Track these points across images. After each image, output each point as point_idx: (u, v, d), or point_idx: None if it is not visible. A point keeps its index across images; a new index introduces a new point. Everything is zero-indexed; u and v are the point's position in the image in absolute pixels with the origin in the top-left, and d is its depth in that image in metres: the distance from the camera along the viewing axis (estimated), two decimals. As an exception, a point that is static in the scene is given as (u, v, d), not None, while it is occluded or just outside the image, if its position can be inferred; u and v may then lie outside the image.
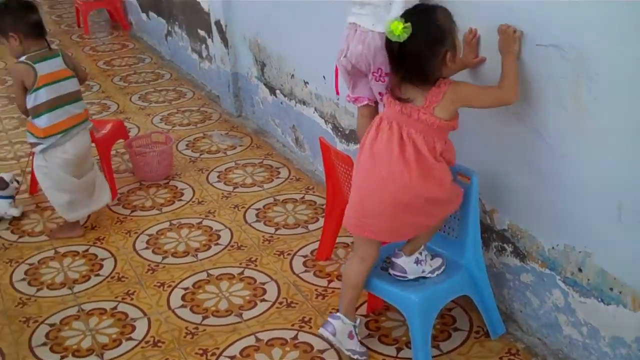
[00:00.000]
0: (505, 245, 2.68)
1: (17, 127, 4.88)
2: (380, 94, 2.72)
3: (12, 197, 3.71)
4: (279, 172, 4.07)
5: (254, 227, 3.54)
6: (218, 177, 4.06)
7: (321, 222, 3.48)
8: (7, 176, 3.71)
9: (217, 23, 4.71)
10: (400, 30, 2.24)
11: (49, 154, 3.36)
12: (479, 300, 2.64)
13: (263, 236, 3.46)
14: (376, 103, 2.85)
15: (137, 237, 3.51)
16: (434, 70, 2.31)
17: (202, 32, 5.23)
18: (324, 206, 3.58)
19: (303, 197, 3.79)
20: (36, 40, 3.30)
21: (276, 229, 3.51)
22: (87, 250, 3.43)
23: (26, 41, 3.27)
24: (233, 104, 4.84)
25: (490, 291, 2.64)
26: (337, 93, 3.08)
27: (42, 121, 3.31)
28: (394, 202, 2.37)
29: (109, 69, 6.01)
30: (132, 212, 3.74)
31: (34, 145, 3.39)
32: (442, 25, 2.30)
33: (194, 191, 3.92)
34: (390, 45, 2.32)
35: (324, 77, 3.69)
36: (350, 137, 3.60)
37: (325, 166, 3.02)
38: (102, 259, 3.35)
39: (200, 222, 3.61)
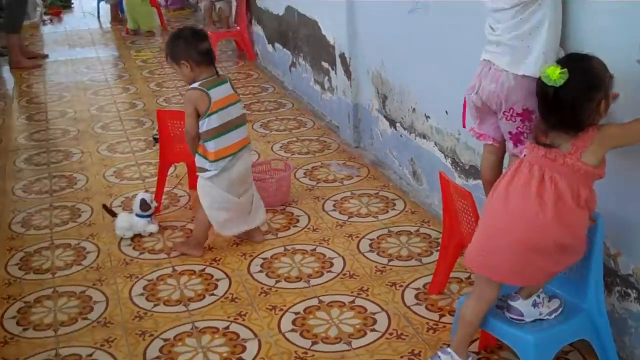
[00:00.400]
0: (629, 290, 2.57)
1: (143, 150, 5.08)
2: (510, 133, 2.70)
3: (150, 215, 3.86)
4: (394, 204, 4.06)
5: (367, 257, 3.53)
6: (334, 205, 4.08)
7: (435, 255, 3.44)
8: (148, 197, 3.86)
9: (342, 56, 4.78)
10: (557, 76, 2.22)
11: (217, 176, 3.49)
12: (599, 345, 2.54)
13: (376, 266, 3.45)
14: (500, 143, 2.83)
15: (252, 260, 3.57)
16: (587, 117, 2.27)
17: (325, 64, 5.32)
18: (439, 240, 3.55)
19: (418, 230, 3.76)
20: (206, 67, 3.45)
21: (389, 260, 3.49)
22: (203, 269, 3.52)
23: (197, 68, 3.42)
24: (352, 135, 4.87)
25: (610, 337, 2.53)
26: (464, 126, 3.06)
27: (213, 145, 3.44)
28: (523, 242, 2.32)
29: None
30: (248, 235, 3.81)
31: (202, 170, 3.51)
32: (599, 73, 2.27)
33: (309, 218, 3.95)
34: (544, 91, 2.29)
35: (446, 111, 3.68)
36: (470, 172, 3.55)
37: (443, 200, 3.00)
38: (218, 279, 3.42)
39: (314, 249, 3.63)
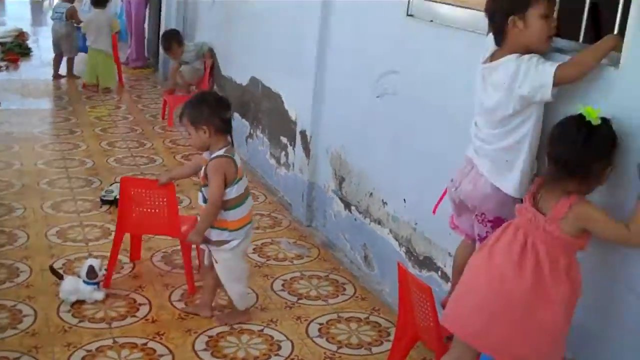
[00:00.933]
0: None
1: (89, 210, 4.94)
2: (479, 235, 2.70)
3: (98, 283, 3.73)
4: (344, 288, 4.00)
5: (316, 342, 3.44)
6: (283, 285, 4.00)
7: (386, 346, 3.39)
8: (96, 264, 3.72)
9: (303, 132, 4.77)
10: (595, 115, 2.22)
11: (237, 246, 3.43)
12: None
13: (325, 353, 3.36)
14: (473, 240, 2.82)
15: (197, 336, 3.44)
16: (592, 170, 2.25)
17: (284, 139, 5.29)
18: (390, 329, 3.51)
19: (368, 318, 3.69)
20: (223, 136, 3.39)
21: (338, 347, 3.41)
22: (145, 343, 3.38)
23: (215, 135, 3.35)
24: (304, 214, 4.83)
25: None
26: (434, 212, 3.04)
27: (236, 214, 3.39)
28: (492, 302, 2.33)
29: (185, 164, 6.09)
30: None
31: (221, 242, 3.41)
32: (615, 142, 2.27)
33: (257, 296, 3.86)
34: (572, 124, 2.27)
35: (404, 200, 3.67)
36: (424, 263, 3.52)
37: (400, 292, 2.95)
38: (160, 355, 3.28)
39: (262, 330, 3.53)
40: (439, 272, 3.40)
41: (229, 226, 3.39)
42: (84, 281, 3.69)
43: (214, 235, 3.42)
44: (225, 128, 3.39)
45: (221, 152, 3.35)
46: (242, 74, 6.39)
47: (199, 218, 3.56)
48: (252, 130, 6.07)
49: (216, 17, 7.30)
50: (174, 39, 7.50)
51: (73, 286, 3.69)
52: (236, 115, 6.47)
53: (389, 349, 3.37)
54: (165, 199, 3.79)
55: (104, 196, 5.10)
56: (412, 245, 3.63)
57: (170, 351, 3.32)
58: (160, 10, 9.89)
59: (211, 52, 7.36)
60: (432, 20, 3.48)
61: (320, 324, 3.61)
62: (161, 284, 3.95)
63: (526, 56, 2.46)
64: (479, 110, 2.66)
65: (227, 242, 3.42)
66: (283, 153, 5.33)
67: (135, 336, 3.44)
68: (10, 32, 11.48)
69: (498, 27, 2.56)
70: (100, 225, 4.69)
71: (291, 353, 3.35)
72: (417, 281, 2.79)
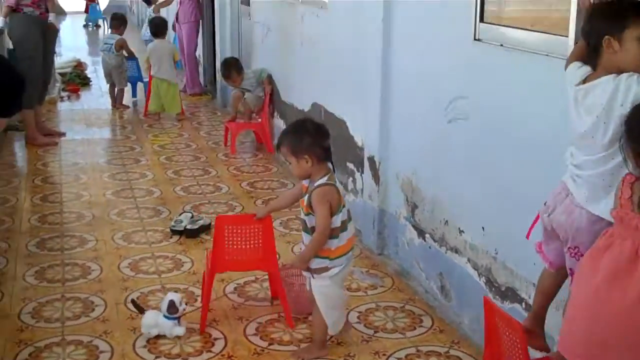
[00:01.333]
0: None
1: (159, 241, 4.95)
2: (570, 269, 2.58)
3: (178, 318, 3.68)
4: (421, 320, 3.90)
5: (396, 378, 3.36)
6: (358, 317, 3.92)
7: (468, 382, 3.29)
8: (177, 299, 3.67)
9: (371, 159, 4.70)
10: None
11: (337, 274, 3.41)
12: None
13: (406, 389, 3.27)
14: (557, 270, 2.70)
15: (274, 372, 3.39)
16: None
17: (350, 166, 5.24)
18: (472, 366, 3.40)
19: (448, 352, 3.59)
20: (325, 163, 3.38)
21: (420, 384, 3.32)
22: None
23: (317, 164, 3.33)
24: (375, 241, 4.75)
25: None
26: (527, 237, 2.91)
27: (338, 242, 3.35)
28: (608, 326, 2.19)
29: (252, 191, 6.08)
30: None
31: (321, 270, 3.38)
32: None
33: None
34: None
35: (482, 228, 3.57)
36: (506, 295, 3.41)
37: (486, 328, 2.84)
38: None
39: (340, 367, 3.46)
40: (523, 304, 3.29)
41: (330, 254, 3.35)
42: (165, 316, 3.66)
43: (315, 263, 3.39)
44: (326, 156, 3.37)
45: (324, 179, 3.32)
46: (303, 100, 6.37)
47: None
48: (316, 156, 6.02)
49: (272, 44, 7.30)
50: (233, 66, 7.52)
51: (154, 320, 3.67)
52: (300, 141, 6.44)
53: (471, 384, 3.30)
54: (260, 234, 3.78)
55: (174, 226, 5.10)
56: (492, 275, 3.52)
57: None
58: (214, 38, 9.98)
59: (270, 79, 7.36)
60: (502, 45, 3.39)
61: (399, 359, 3.52)
62: (235, 318, 3.90)
63: (624, 74, 2.35)
64: (574, 137, 2.55)
65: (327, 269, 3.38)
66: (350, 179, 5.27)
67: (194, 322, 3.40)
68: (69, 62, 11.72)
69: (593, 48, 2.46)
70: (172, 257, 4.69)
71: (371, 389, 3.27)
72: (507, 317, 2.68)
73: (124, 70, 9.48)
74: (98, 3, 21.30)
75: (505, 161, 3.37)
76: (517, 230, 3.27)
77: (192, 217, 5.20)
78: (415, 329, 3.81)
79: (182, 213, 5.32)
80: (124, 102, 9.52)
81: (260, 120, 7.44)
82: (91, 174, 6.54)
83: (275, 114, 7.21)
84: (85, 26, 20.64)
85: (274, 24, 7.17)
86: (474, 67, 3.61)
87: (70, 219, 5.40)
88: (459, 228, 3.81)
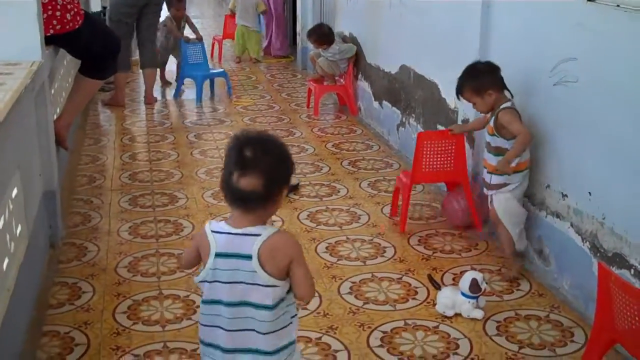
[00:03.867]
0: None
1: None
2: None
3: (477, 298, 3.48)
4: (518, 284, 3.82)
5: (495, 341, 3.28)
6: (453, 280, 3.86)
7: (570, 347, 3.23)
8: (479, 278, 3.46)
9: (465, 121, 4.59)
10: None
11: (517, 188, 3.82)
12: None
13: (506, 353, 3.20)
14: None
15: (372, 332, 3.36)
16: None
17: (442, 128, 5.13)
18: (572, 329, 3.35)
19: (548, 316, 3.50)
20: (504, 92, 3.87)
21: (520, 347, 3.24)
22: (320, 338, 3.32)
23: (498, 94, 3.83)
24: (468, 204, 4.65)
25: None
26: None
27: (517, 159, 3.76)
28: None
29: (338, 152, 6.05)
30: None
31: (499, 186, 3.83)
32: None
33: (428, 292, 3.73)
34: None
35: (589, 192, 3.44)
36: (613, 260, 3.29)
37: (599, 292, 2.74)
38: (336, 351, 3.22)
39: (437, 327, 3.40)
40: (632, 270, 3.17)
41: (508, 171, 3.77)
42: (463, 293, 3.46)
43: (495, 179, 3.83)
44: (503, 85, 3.84)
45: (508, 104, 3.78)
46: (390, 63, 6.26)
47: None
48: (404, 119, 5.94)
49: (358, 5, 7.18)
50: (326, 36, 7.25)
51: (451, 299, 3.49)
52: (386, 103, 6.36)
53: (574, 351, 3.21)
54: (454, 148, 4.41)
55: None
56: (598, 241, 3.40)
57: (345, 347, 3.25)
58: (295, 2, 9.93)
59: (356, 54, 7.17)
60: (618, 5, 3.23)
61: (498, 322, 3.45)
62: (329, 276, 3.89)
63: None
64: None
65: (506, 185, 3.80)
66: (441, 142, 5.17)
67: (309, 329, 3.39)
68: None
69: None
70: (262, 216, 4.70)
71: (470, 352, 3.21)
72: (626, 284, 2.58)
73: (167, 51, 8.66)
74: None
75: (617, 124, 3.24)
76: (627, 194, 3.17)
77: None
78: (512, 292, 3.74)
79: None
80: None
81: (343, 82, 7.36)
82: (177, 134, 6.59)
83: (360, 76, 7.12)
84: None
85: (360, -15, 7.06)
86: (586, 29, 3.45)
87: (159, 177, 5.46)
88: (562, 192, 3.69)
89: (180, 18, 8.41)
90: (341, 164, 5.74)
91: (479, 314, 3.47)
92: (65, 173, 4.92)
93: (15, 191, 3.15)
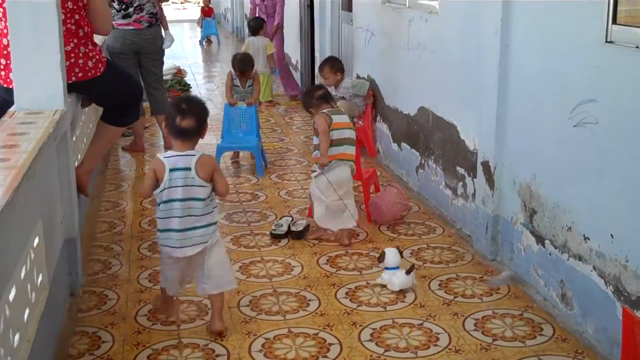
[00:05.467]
0: None
1: (268, 245, 4.95)
2: None
3: (396, 268, 4.25)
4: (542, 328, 3.77)
5: (519, 389, 3.24)
6: (475, 325, 3.81)
7: (596, 394, 3.15)
8: (392, 251, 4.30)
9: (485, 163, 4.58)
10: None
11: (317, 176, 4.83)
12: None
13: (531, 401, 3.15)
14: None
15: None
16: None
17: (461, 170, 5.13)
18: (600, 377, 3.26)
19: (573, 362, 3.46)
20: (326, 104, 5.08)
21: (545, 395, 3.20)
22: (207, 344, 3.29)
23: (321, 105, 5.07)
24: (488, 247, 4.62)
25: None
26: None
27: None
28: None
29: (357, 194, 5.98)
30: None
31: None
32: None
33: (449, 338, 3.69)
34: None
35: (611, 235, 3.41)
36: (638, 304, 3.24)
37: (624, 338, 2.70)
38: None
39: (458, 372, 3.37)
40: (657, 315, 3.12)
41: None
42: (387, 268, 4.27)
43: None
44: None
45: (325, 111, 4.92)
46: (408, 104, 6.27)
47: None
48: (422, 161, 5.93)
49: (376, 49, 7.22)
50: (328, 62, 7.26)
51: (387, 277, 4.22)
52: (404, 145, 6.37)
53: (600, 397, 3.15)
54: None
55: (274, 230, 5.13)
56: (621, 284, 3.36)
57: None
58: (313, 44, 10.02)
59: (372, 90, 7.22)
60: (637, 47, 3.23)
61: (522, 368, 3.41)
62: (349, 323, 3.85)
63: None
64: None
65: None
66: (460, 184, 5.16)
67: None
68: (169, 70, 11.93)
69: None
70: (282, 260, 4.69)
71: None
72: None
73: None
74: (214, 17, 18.90)
75: (638, 166, 3.22)
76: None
77: (292, 220, 5.22)
78: (535, 337, 3.69)
79: (283, 217, 5.33)
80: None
81: (362, 123, 7.38)
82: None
83: (378, 117, 7.14)
84: (201, 42, 18.07)
85: (377, 29, 7.10)
86: (605, 70, 3.45)
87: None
88: (584, 235, 3.65)
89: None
90: (360, 206, 5.71)
91: (408, 281, 4.15)
92: (86, 219, 4.95)
93: (37, 240, 3.17)
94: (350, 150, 4.95)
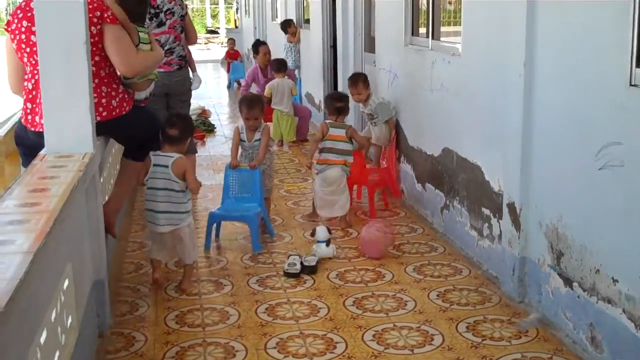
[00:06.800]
0: None
1: (294, 286, 4.94)
2: None
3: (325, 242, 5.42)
4: (570, 373, 3.73)
5: None
6: (503, 368, 3.79)
7: None
8: (322, 229, 5.41)
9: (511, 205, 4.58)
10: None
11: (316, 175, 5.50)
12: None
13: None
14: None
15: None
16: None
17: (486, 211, 5.12)
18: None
19: (604, 407, 3.41)
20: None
21: None
22: None
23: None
24: (516, 289, 4.60)
25: None
26: None
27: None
28: None
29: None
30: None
31: None
32: None
33: (478, 380, 3.67)
34: None
35: (640, 277, 3.39)
36: (669, 348, 3.21)
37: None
38: None
39: (489, 419, 3.33)
40: (689, 359, 3.09)
41: None
42: (318, 241, 5.43)
43: None
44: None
45: (327, 121, 6.40)
46: (432, 145, 6.30)
47: None
48: (447, 202, 5.93)
49: (399, 90, 7.26)
50: (366, 79, 7.30)
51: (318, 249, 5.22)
52: (429, 186, 6.37)
53: None
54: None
55: (288, 270, 5.15)
56: (652, 328, 3.33)
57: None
58: (336, 85, 10.10)
59: (396, 122, 7.24)
60: (661, 90, 3.25)
61: (552, 413, 3.36)
62: (354, 326, 3.84)
63: None
64: None
65: None
66: (486, 225, 5.15)
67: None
68: (194, 110, 12.07)
69: None
70: (308, 302, 4.68)
71: None
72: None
73: None
74: (242, 61, 18.70)
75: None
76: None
77: (302, 256, 5.30)
78: (566, 382, 3.65)
79: (289, 256, 5.37)
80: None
81: (386, 164, 7.40)
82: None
83: (402, 158, 7.16)
84: (229, 87, 17.60)
85: (401, 70, 7.16)
86: (630, 112, 3.46)
87: (205, 264, 5.49)
88: (613, 277, 3.63)
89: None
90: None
91: (329, 251, 5.42)
92: (113, 260, 4.98)
93: (66, 282, 3.19)
94: (335, 157, 6.25)
